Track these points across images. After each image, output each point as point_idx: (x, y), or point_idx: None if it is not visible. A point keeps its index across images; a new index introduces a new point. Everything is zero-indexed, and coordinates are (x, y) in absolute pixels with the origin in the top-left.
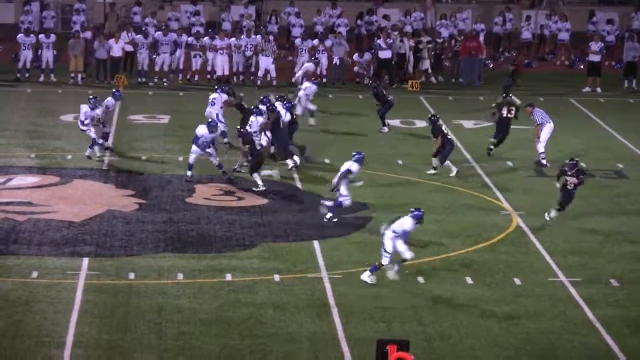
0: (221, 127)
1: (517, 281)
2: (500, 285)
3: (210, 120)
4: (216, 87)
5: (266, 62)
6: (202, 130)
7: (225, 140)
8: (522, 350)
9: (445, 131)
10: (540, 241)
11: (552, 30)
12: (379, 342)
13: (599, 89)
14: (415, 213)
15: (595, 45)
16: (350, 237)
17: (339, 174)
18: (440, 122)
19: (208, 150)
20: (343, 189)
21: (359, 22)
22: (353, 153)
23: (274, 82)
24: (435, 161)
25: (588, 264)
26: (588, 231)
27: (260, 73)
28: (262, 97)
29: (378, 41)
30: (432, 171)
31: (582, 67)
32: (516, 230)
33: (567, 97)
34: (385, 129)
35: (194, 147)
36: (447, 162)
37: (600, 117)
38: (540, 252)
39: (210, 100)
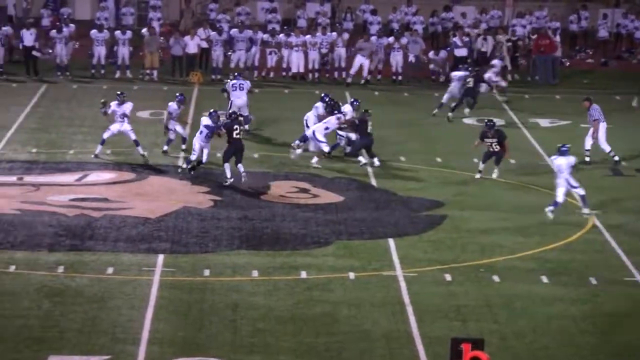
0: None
1: (593, 280)
2: (576, 285)
3: (211, 110)
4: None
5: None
6: (206, 121)
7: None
8: (598, 350)
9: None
10: (617, 240)
11: (629, 29)
12: (453, 340)
13: None
14: None
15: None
16: (425, 235)
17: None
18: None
19: (207, 142)
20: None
21: (434, 19)
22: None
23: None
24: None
25: None
26: None
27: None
28: (322, 95)
29: (454, 39)
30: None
31: None
32: (592, 229)
33: None
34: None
35: (200, 138)
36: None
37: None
38: (616, 251)
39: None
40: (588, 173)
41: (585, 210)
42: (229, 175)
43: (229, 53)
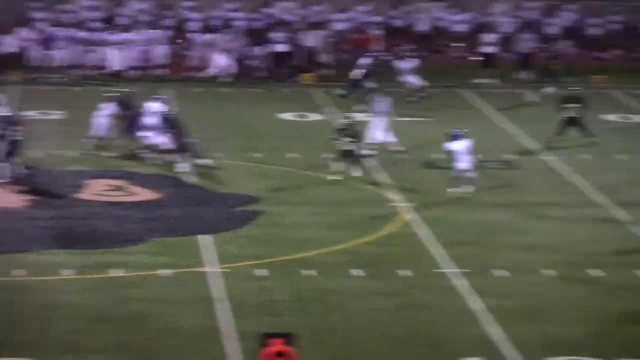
0: None
1: (406, 273)
2: (389, 278)
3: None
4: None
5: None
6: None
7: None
8: (409, 342)
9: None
10: (428, 233)
11: (447, 23)
12: (263, 335)
13: (491, 80)
14: None
15: (489, 37)
16: (241, 231)
17: None
18: None
19: None
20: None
21: (255, 15)
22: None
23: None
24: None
25: (475, 254)
26: (475, 222)
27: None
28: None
29: (273, 34)
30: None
31: (476, 58)
32: (405, 222)
33: (461, 88)
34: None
35: None
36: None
37: (492, 108)
38: (428, 244)
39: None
40: (404, 167)
41: (453, 190)
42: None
43: (49, 51)
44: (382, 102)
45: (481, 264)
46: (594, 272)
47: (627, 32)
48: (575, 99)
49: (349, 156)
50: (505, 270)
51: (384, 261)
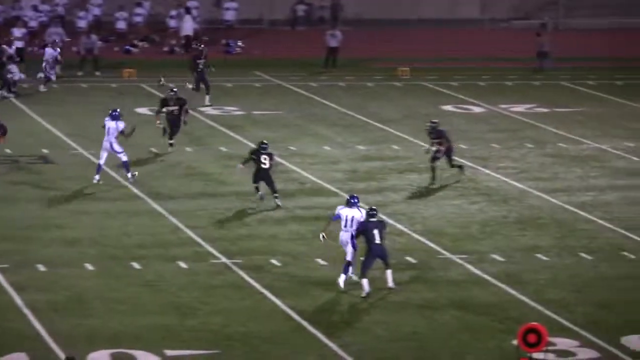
0: None
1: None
2: None
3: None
4: None
5: None
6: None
7: None
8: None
9: None
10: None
11: None
12: None
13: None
14: None
15: (18, 32)
16: None
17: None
18: None
19: None
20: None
21: None
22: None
23: None
24: None
25: (18, 250)
26: (12, 217)
27: None
28: None
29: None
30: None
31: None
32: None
33: None
34: None
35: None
36: None
37: (26, 104)
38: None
39: None
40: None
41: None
42: None
43: None
44: None
45: (19, 260)
46: (137, 265)
47: (152, 25)
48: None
49: None
50: (44, 265)
51: None
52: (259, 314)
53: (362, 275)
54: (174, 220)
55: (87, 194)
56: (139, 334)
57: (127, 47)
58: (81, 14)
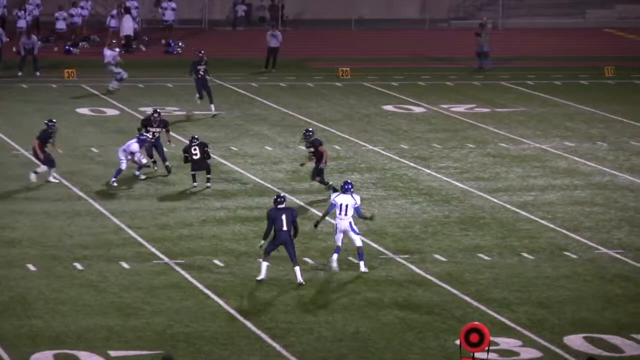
0: None
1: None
2: None
3: None
4: None
5: None
6: None
7: None
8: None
9: None
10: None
11: None
12: None
13: None
14: None
15: None
16: None
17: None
18: None
19: None
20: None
21: None
22: None
23: None
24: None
25: None
26: None
27: None
28: None
29: None
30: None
31: None
32: None
33: None
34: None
35: None
36: None
37: None
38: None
39: None
40: None
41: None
42: None
43: None
44: None
45: None
46: (79, 265)
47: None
48: None
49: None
50: None
51: None
52: (202, 314)
53: (265, 258)
54: (116, 220)
55: (27, 194)
56: (83, 334)
57: (67, 47)
58: (20, 14)
